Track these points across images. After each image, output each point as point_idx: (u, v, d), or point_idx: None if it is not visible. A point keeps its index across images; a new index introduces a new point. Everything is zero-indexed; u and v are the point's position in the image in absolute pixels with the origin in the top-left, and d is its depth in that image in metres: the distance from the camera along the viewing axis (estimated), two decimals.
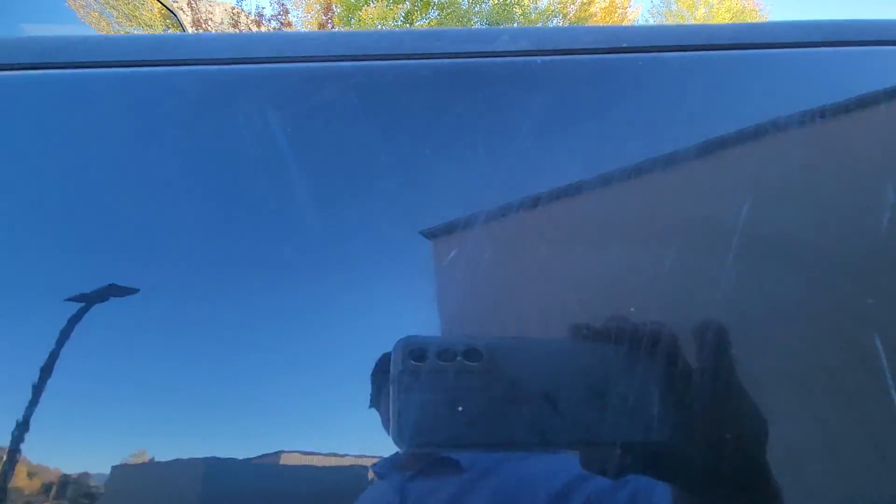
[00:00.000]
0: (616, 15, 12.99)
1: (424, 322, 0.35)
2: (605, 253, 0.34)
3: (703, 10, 16.00)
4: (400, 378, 0.33)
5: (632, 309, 0.32)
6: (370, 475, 0.33)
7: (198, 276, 0.36)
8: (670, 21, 16.57)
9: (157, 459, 0.33)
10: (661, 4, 16.93)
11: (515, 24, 11.70)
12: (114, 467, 0.32)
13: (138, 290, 0.35)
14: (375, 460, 0.33)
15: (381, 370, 0.33)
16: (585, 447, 0.32)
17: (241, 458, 0.33)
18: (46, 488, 0.32)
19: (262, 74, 0.40)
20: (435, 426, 0.33)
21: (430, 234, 0.36)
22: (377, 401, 0.33)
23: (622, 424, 0.31)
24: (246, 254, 0.36)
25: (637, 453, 0.31)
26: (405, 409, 0.33)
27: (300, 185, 0.36)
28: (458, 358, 0.33)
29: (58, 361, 0.33)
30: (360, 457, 0.33)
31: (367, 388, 0.33)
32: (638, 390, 0.31)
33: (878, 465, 0.29)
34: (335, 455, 0.33)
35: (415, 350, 0.34)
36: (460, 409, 0.32)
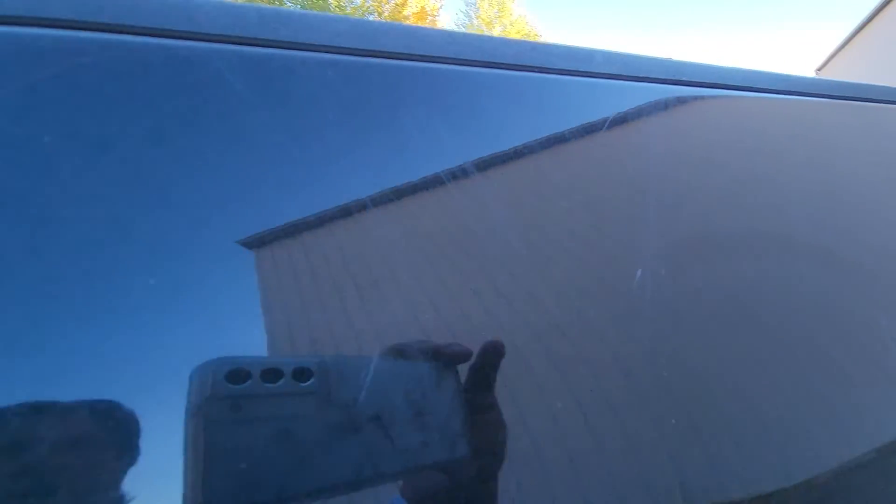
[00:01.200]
0: (426, 21, 13.60)
1: (234, 342, 0.29)
2: (429, 266, 0.32)
3: (498, 30, 17.74)
4: (209, 408, 0.27)
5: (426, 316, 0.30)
6: None
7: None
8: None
9: None
10: (465, 18, 18.28)
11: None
12: None
13: None
14: None
15: (190, 397, 0.26)
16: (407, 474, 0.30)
17: None
18: None
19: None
20: (258, 471, 0.27)
21: (251, 244, 0.29)
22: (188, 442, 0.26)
23: (436, 448, 0.29)
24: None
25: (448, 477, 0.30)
26: (215, 450, 0.26)
27: (89, 187, 0.27)
28: (284, 379, 0.28)
29: None
30: None
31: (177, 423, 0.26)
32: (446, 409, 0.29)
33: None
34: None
35: (233, 371, 0.27)
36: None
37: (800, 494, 0.33)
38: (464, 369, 0.30)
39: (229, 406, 0.27)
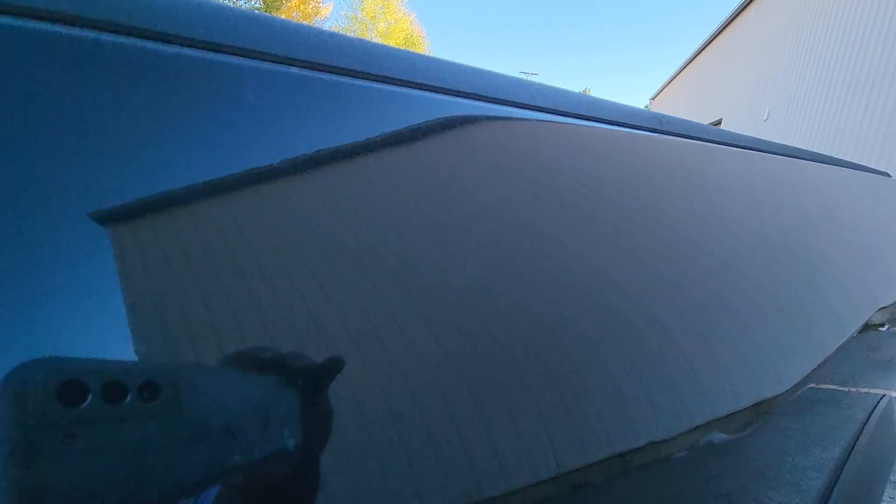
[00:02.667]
0: (309, 6, 13.01)
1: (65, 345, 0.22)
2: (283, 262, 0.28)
3: (383, 25, 17.65)
4: (36, 437, 0.20)
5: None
6: None
7: None
8: (356, 26, 17.64)
9: None
10: (349, 9, 17.87)
11: None
12: None
13: None
14: None
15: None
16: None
17: None
18: None
19: None
20: None
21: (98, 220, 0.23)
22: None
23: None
24: None
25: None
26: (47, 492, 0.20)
27: None
28: (131, 396, 0.21)
29: None
30: None
31: None
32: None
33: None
34: None
35: (69, 386, 0.21)
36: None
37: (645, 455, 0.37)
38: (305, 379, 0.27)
39: (61, 438, 0.21)
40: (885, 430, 1.08)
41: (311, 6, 12.99)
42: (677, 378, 0.42)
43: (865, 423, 0.94)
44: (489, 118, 0.38)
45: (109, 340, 0.23)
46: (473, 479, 0.31)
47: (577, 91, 0.49)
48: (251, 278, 0.27)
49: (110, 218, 0.24)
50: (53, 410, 0.21)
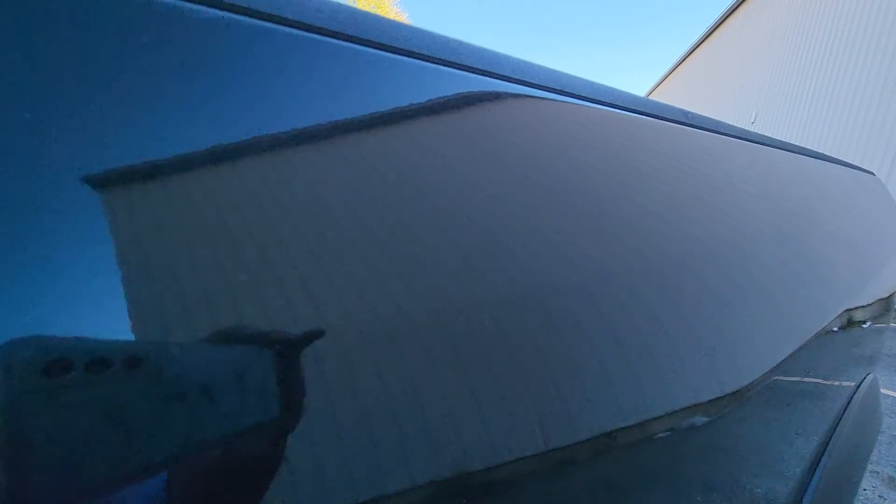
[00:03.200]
0: None
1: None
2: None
3: None
4: (21, 405, 0.20)
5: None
6: None
7: None
8: None
9: None
10: None
11: None
12: None
13: None
14: None
15: None
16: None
17: None
18: None
19: None
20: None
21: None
22: None
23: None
24: None
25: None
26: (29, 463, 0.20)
27: None
28: (114, 367, 0.22)
29: None
30: None
31: None
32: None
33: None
34: None
35: (55, 359, 0.21)
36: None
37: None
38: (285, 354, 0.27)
39: (44, 396, 0.21)
40: (866, 418, 1.10)
41: None
42: (662, 360, 0.42)
43: (846, 408, 0.96)
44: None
45: (95, 317, 0.23)
46: (462, 451, 0.31)
47: None
48: (242, 253, 0.27)
49: (92, 190, 0.24)
50: (34, 380, 0.21)
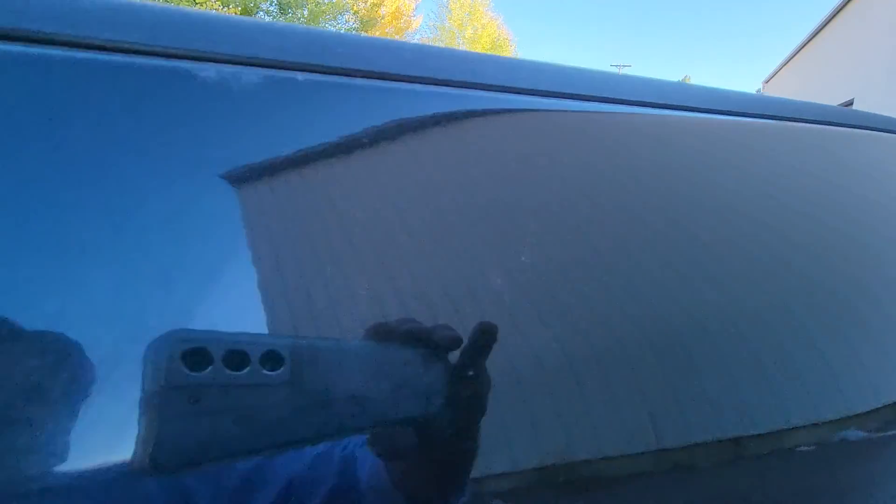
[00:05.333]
0: (402, 21, 13.53)
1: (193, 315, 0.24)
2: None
3: (470, 31, 17.82)
4: (166, 395, 0.23)
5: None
6: None
7: None
8: (443, 35, 18.02)
9: None
10: (437, 20, 18.28)
11: (305, 11, 11.18)
12: None
13: None
14: None
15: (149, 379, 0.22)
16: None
17: None
18: None
19: None
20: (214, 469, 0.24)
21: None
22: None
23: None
24: None
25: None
26: (173, 444, 0.23)
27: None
28: (251, 365, 0.23)
29: None
30: None
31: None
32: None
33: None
34: None
35: (190, 353, 0.23)
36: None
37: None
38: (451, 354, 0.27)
39: (187, 397, 0.23)
40: None
41: (402, 21, 13.51)
42: (807, 369, 0.38)
43: None
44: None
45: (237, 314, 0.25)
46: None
47: (677, 80, 0.48)
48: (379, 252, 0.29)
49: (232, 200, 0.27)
50: (176, 374, 0.22)
